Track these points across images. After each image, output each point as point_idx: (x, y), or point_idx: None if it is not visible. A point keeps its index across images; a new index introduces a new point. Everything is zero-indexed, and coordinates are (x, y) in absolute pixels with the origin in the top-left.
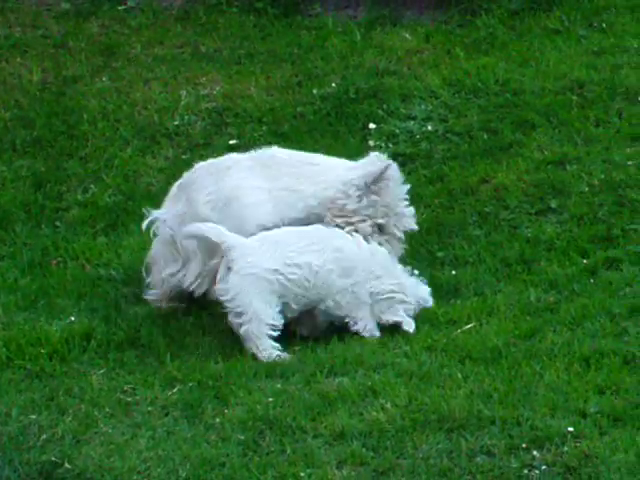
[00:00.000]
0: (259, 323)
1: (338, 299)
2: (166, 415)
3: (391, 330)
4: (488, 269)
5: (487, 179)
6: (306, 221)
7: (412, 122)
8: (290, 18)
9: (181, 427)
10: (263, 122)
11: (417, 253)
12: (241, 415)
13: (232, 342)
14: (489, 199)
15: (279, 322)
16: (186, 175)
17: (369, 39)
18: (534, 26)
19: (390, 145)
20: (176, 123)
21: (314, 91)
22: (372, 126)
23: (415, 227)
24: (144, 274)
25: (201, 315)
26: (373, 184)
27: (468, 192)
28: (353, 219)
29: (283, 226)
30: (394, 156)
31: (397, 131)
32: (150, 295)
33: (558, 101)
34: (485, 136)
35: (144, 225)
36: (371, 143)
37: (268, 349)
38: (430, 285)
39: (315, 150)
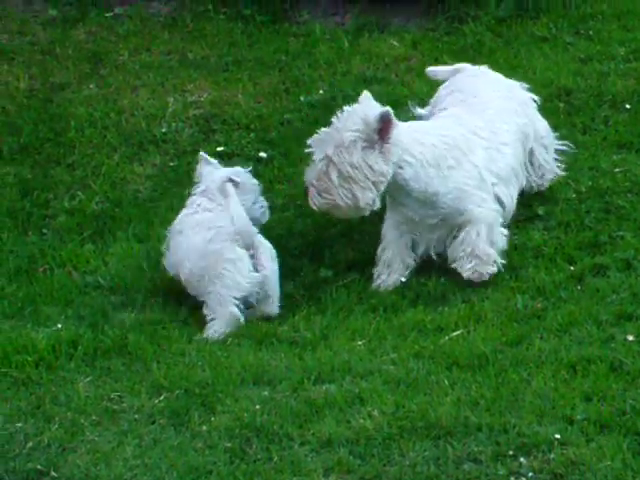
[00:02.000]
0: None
1: None
2: (153, 423)
3: (379, 338)
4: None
5: None
6: None
7: None
8: (278, 25)
9: (168, 435)
10: (251, 129)
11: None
12: (228, 423)
13: (219, 349)
14: None
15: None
16: None
17: (356, 46)
18: (521, 33)
19: None
20: (164, 130)
21: (301, 98)
22: None
23: None
24: None
25: (188, 322)
26: None
27: None
28: None
29: None
30: None
31: None
32: None
33: (545, 108)
34: None
35: None
36: None
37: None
38: (418, 292)
39: (302, 157)
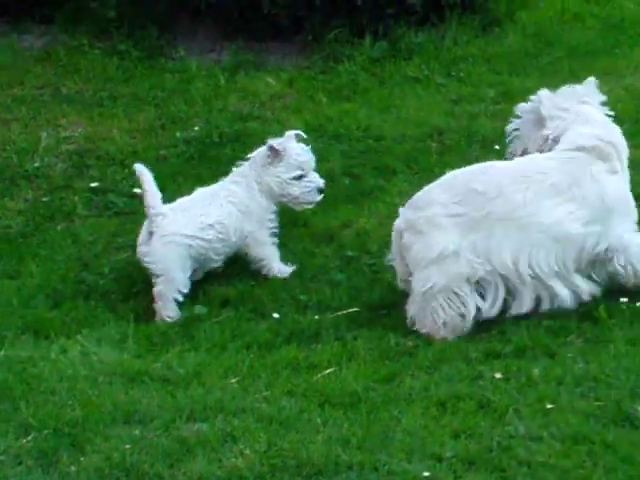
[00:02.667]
0: (173, 287)
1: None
2: (19, 464)
3: (253, 375)
4: (349, 314)
5: (349, 224)
6: None
7: None
8: (154, 61)
9: (35, 476)
10: (125, 164)
11: (279, 298)
12: (97, 463)
13: (90, 387)
14: (351, 244)
15: (187, 288)
16: None
17: (233, 83)
18: (395, 74)
19: None
20: (36, 165)
21: (177, 134)
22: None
23: None
24: None
25: (58, 360)
26: None
27: (330, 237)
28: None
29: None
30: None
31: None
32: None
33: (418, 148)
34: (347, 181)
35: None
36: None
37: (172, 312)
38: (292, 329)
39: (177, 194)
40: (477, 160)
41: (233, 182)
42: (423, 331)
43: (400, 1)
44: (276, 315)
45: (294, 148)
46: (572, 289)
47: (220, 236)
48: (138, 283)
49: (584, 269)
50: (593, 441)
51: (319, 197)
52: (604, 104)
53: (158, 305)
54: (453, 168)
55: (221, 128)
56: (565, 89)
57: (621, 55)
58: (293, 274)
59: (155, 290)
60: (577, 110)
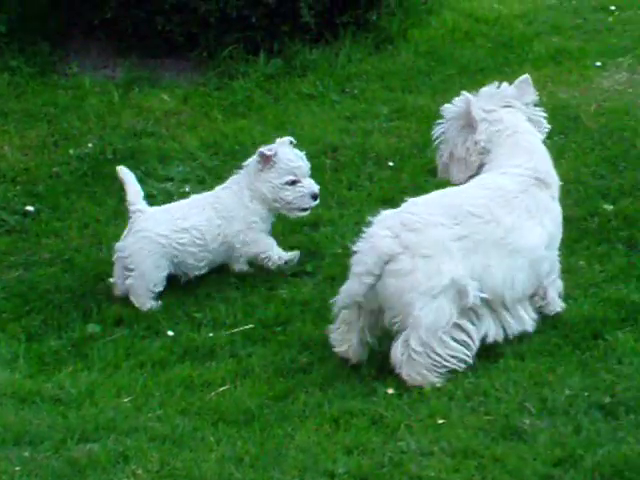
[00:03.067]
0: (143, 282)
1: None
2: None
3: (146, 394)
4: (244, 331)
5: None
6: None
7: (170, 183)
8: (46, 77)
9: None
10: (17, 182)
11: (174, 315)
12: None
13: None
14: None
15: (161, 286)
16: None
17: (127, 100)
18: (289, 91)
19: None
20: None
21: (70, 151)
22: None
23: None
24: None
25: None
26: None
27: None
28: None
29: None
30: None
31: (155, 192)
32: None
33: (313, 164)
34: None
35: None
36: None
37: (145, 304)
38: (186, 347)
39: (72, 212)
40: (371, 176)
41: (223, 188)
42: (417, 380)
43: (294, 19)
44: (171, 333)
45: (286, 153)
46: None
47: (197, 241)
48: (30, 302)
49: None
50: (482, 455)
51: (313, 203)
52: (535, 104)
53: (131, 299)
54: (347, 185)
55: (115, 145)
56: (490, 90)
57: (510, 73)
58: (188, 291)
59: (127, 282)
60: (503, 118)
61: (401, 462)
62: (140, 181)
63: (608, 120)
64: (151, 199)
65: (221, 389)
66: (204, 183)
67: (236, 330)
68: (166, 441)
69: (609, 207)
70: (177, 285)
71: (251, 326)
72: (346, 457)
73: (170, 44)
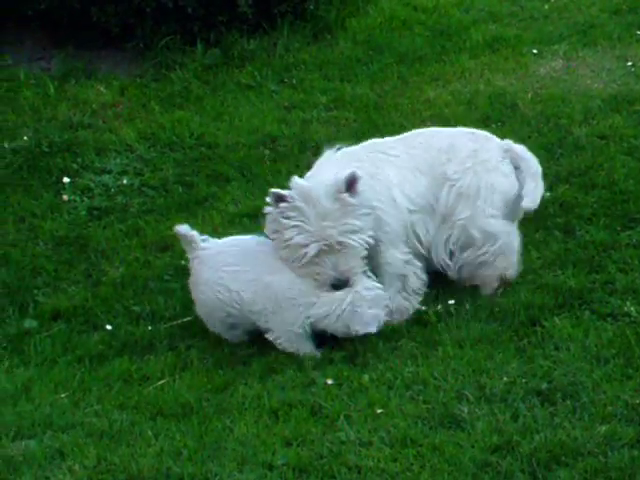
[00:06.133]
0: None
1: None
2: None
3: (84, 390)
4: (183, 323)
5: None
6: None
7: (107, 176)
8: None
9: None
10: None
11: (113, 309)
12: None
13: None
14: (184, 254)
15: None
16: None
17: (63, 92)
18: (228, 81)
19: (85, 199)
20: None
21: (5, 145)
22: (66, 180)
23: None
24: None
25: None
26: None
27: (164, 246)
28: None
29: None
30: (89, 210)
31: (92, 185)
32: None
33: (251, 155)
34: (181, 189)
35: None
36: (65, 197)
37: None
38: (124, 341)
39: (7, 206)
40: (310, 166)
41: None
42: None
43: (231, 9)
44: (109, 327)
45: None
46: None
47: None
48: None
49: None
50: (421, 444)
51: None
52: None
53: None
54: (286, 175)
55: (51, 137)
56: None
57: (448, 62)
58: (126, 284)
59: None
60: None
61: (340, 452)
62: (77, 174)
63: (545, 107)
64: (88, 192)
65: (160, 383)
66: (142, 175)
67: (175, 323)
68: (103, 436)
69: (546, 194)
70: (115, 278)
71: (190, 319)
72: (285, 448)
73: (106, 35)
